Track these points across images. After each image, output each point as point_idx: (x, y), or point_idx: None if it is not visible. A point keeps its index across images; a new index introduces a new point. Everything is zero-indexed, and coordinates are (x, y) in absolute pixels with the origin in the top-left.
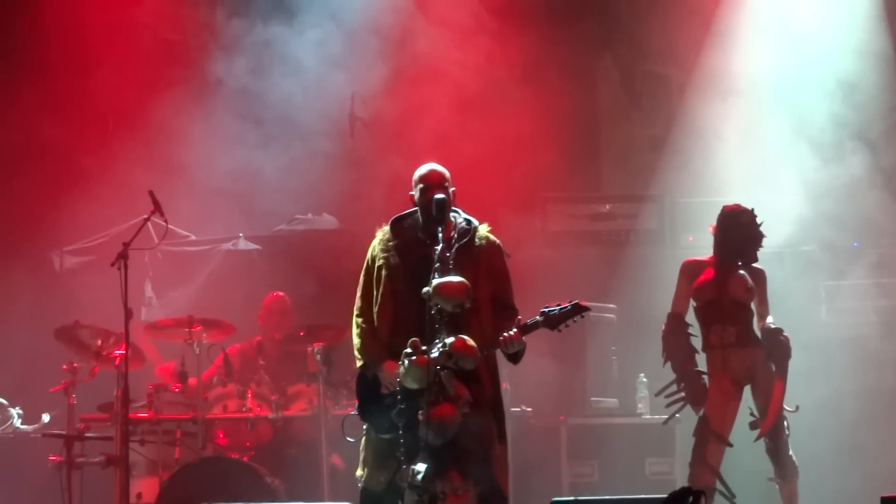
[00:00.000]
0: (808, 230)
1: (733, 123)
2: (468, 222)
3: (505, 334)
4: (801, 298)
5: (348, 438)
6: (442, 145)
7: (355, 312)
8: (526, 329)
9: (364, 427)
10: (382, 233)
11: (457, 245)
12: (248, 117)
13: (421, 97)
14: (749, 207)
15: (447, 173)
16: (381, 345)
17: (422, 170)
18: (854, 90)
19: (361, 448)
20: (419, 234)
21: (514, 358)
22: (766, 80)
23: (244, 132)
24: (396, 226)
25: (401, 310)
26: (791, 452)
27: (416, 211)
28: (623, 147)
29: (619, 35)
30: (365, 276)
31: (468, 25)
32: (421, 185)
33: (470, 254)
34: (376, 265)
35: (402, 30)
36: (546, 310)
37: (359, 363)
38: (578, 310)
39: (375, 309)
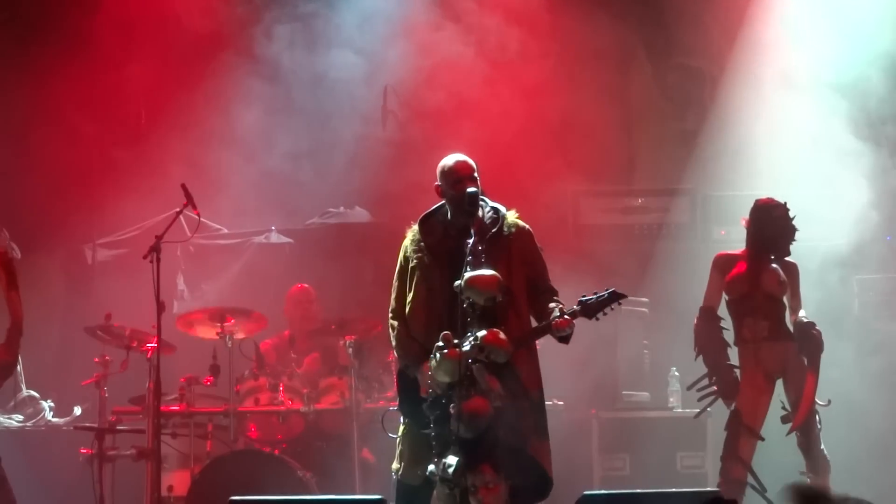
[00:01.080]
0: (841, 223)
1: (765, 117)
2: (496, 211)
3: (555, 319)
4: (833, 292)
5: (390, 434)
6: (474, 138)
7: (390, 315)
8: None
9: (402, 421)
10: (412, 233)
11: (487, 236)
12: (281, 111)
13: (453, 90)
14: (782, 201)
15: (474, 163)
16: (419, 346)
17: (449, 161)
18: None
19: (398, 442)
20: (449, 229)
21: (565, 340)
22: (799, 73)
23: (277, 126)
24: (425, 224)
25: (435, 306)
26: (823, 447)
27: (443, 205)
28: (655, 140)
29: (652, 28)
30: (398, 277)
31: (502, 19)
32: (450, 178)
33: (501, 243)
34: (410, 266)
35: (436, 23)
36: (583, 298)
37: (401, 365)
38: (615, 297)
39: (409, 308)
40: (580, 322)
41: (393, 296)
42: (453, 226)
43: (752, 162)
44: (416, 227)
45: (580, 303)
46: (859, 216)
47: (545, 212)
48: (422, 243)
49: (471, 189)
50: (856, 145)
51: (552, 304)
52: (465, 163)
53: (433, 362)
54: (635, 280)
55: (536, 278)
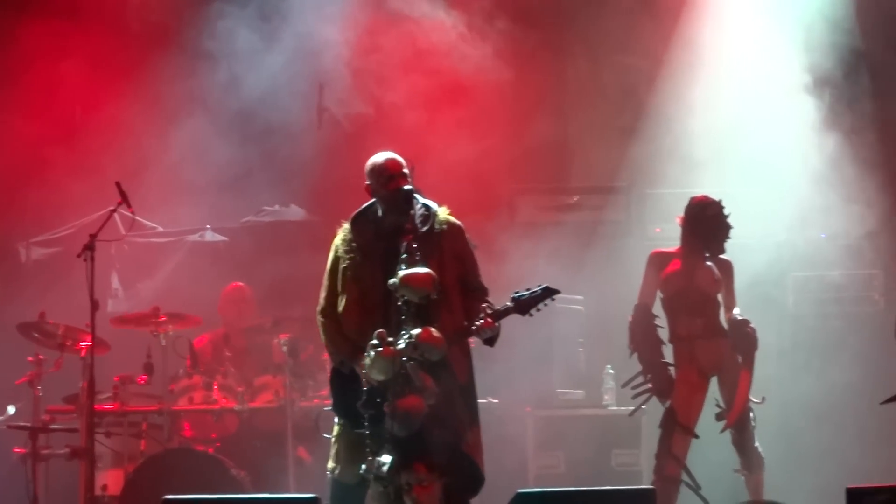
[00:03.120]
0: (776, 221)
1: (701, 114)
2: (427, 208)
3: (477, 323)
4: (768, 289)
5: (324, 434)
6: (409, 137)
7: (319, 312)
8: (497, 315)
9: (336, 420)
10: (343, 231)
11: (419, 233)
12: (216, 109)
13: (389, 89)
14: (717, 199)
15: (403, 160)
16: (350, 342)
17: (379, 159)
18: (824, 81)
19: (333, 441)
20: (380, 227)
21: (490, 342)
22: (736, 71)
23: (212, 124)
24: (357, 222)
25: (368, 306)
26: (757, 444)
27: (373, 203)
28: (591, 138)
29: (588, 26)
30: (329, 276)
31: (436, 18)
32: (381, 176)
33: (432, 240)
34: (341, 266)
35: (371, 22)
36: (516, 295)
37: (333, 360)
38: (548, 293)
39: (342, 307)
40: (515, 319)
41: (323, 294)
42: (384, 224)
43: (688, 159)
44: (346, 226)
45: (513, 299)
46: (794, 214)
47: (481, 209)
48: (353, 242)
49: (406, 186)
50: (793, 144)
51: (483, 305)
52: (394, 160)
53: (367, 360)
54: (571, 278)
55: (467, 276)
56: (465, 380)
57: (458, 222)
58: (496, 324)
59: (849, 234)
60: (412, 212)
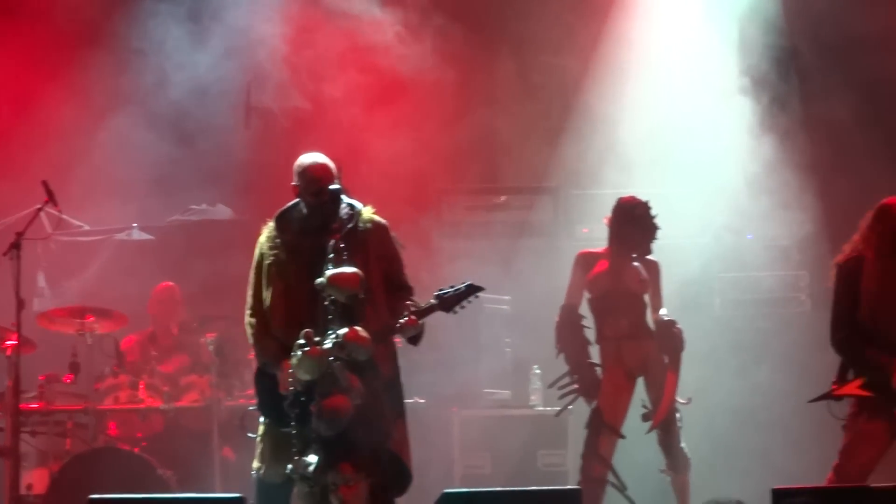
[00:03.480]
0: (703, 222)
1: (629, 115)
2: (351, 207)
3: (401, 321)
4: (695, 290)
5: (249, 434)
6: (337, 136)
7: (247, 312)
8: (421, 313)
9: (262, 420)
10: (268, 230)
11: (343, 231)
12: (143, 106)
13: (317, 88)
14: (644, 200)
15: (331, 162)
16: (277, 344)
17: (306, 160)
18: (757, 83)
19: (259, 441)
20: (305, 226)
21: (414, 341)
22: (664, 72)
23: (140, 122)
24: (281, 220)
25: (294, 304)
26: (683, 444)
27: (299, 202)
28: (519, 138)
29: (516, 26)
30: (255, 274)
31: (369, 16)
32: (308, 176)
33: (357, 238)
34: (265, 263)
35: (304, 19)
36: (440, 292)
37: (258, 361)
38: (473, 290)
39: (268, 306)
40: (442, 319)
41: (249, 293)
42: (309, 223)
43: (616, 160)
44: (271, 224)
45: (437, 296)
46: (721, 215)
47: (408, 209)
48: (278, 240)
49: (333, 186)
50: (721, 144)
51: (407, 303)
52: (321, 161)
53: (294, 360)
54: (498, 277)
55: (392, 274)
56: (391, 379)
57: (382, 221)
58: (420, 322)
59: (776, 235)
60: (338, 211)
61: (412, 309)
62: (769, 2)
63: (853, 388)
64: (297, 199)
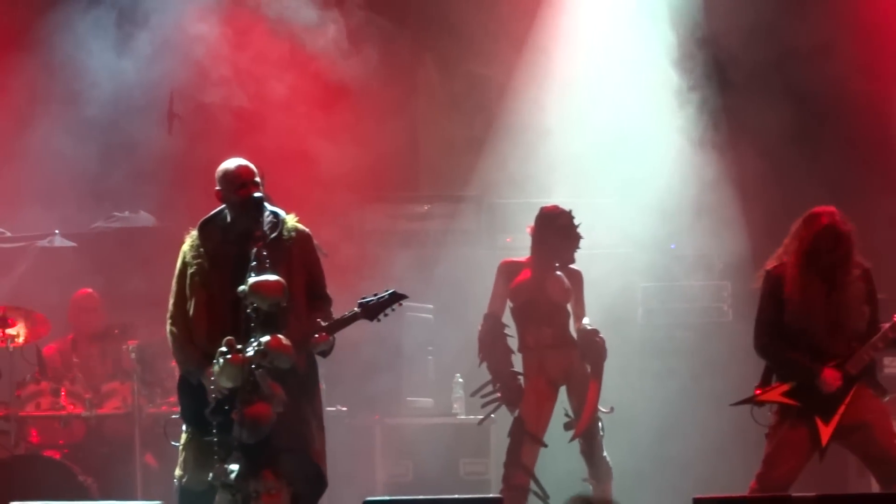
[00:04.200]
0: (626, 232)
1: (553, 125)
2: (275, 215)
3: (316, 336)
4: (617, 300)
5: (172, 442)
6: (260, 143)
7: (169, 320)
8: (343, 322)
9: (184, 428)
10: (191, 238)
11: (267, 240)
12: (66, 113)
13: (239, 96)
14: (567, 209)
15: (254, 167)
16: (200, 352)
17: (230, 165)
18: (681, 92)
19: (182, 449)
20: (228, 234)
21: (323, 355)
22: (587, 82)
23: (62, 128)
24: (205, 229)
25: (217, 313)
26: (605, 453)
27: (222, 210)
28: (442, 147)
29: (439, 35)
30: (177, 282)
31: (286, 25)
32: (232, 182)
33: (280, 247)
34: (188, 272)
35: (221, 28)
36: (363, 300)
37: (181, 369)
38: (396, 298)
39: (191, 315)
40: (365, 327)
41: (171, 301)
42: (233, 230)
43: (539, 169)
44: (194, 233)
45: (360, 304)
46: (643, 224)
47: (331, 217)
48: (201, 249)
49: (256, 194)
50: (643, 154)
51: (318, 318)
52: (245, 167)
53: (216, 367)
54: (421, 286)
55: (313, 283)
56: (311, 387)
57: (306, 230)
58: (330, 337)
59: (698, 245)
60: (261, 219)
61: (323, 325)
62: (699, 12)
63: (776, 394)
64: (221, 207)
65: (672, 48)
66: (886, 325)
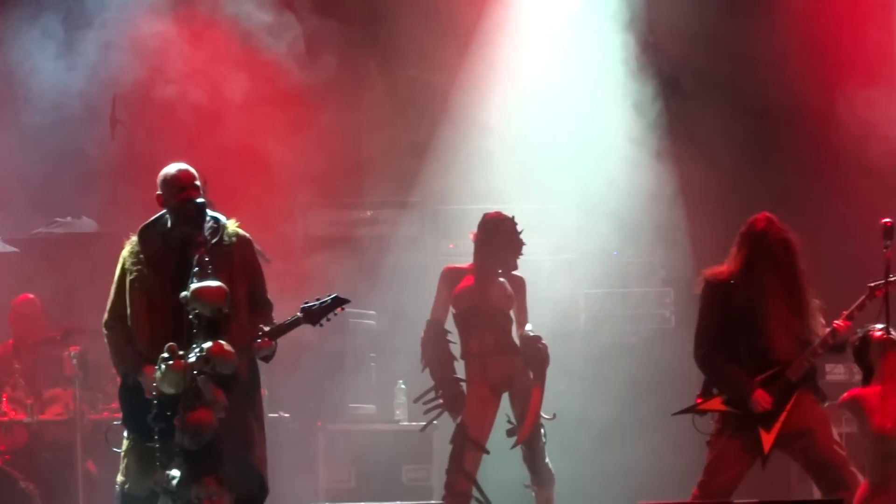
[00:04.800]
0: (569, 238)
1: (496, 131)
2: (216, 220)
3: (258, 341)
4: (560, 306)
5: (114, 449)
6: (203, 149)
7: (104, 324)
8: (285, 328)
9: (126, 434)
10: (131, 244)
11: (208, 245)
12: (8, 117)
13: (182, 101)
14: (510, 215)
15: (196, 172)
16: (136, 353)
17: (171, 170)
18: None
19: (123, 455)
20: (169, 239)
21: (265, 360)
22: (530, 88)
23: (4, 132)
24: (145, 234)
25: (158, 320)
26: (547, 460)
27: (163, 215)
28: (385, 153)
29: (383, 41)
30: (116, 287)
31: (230, 31)
32: (173, 187)
33: (222, 253)
34: (128, 279)
35: (164, 34)
36: (306, 305)
37: (119, 372)
38: (338, 302)
39: (131, 321)
40: (307, 332)
41: (108, 306)
42: (173, 236)
43: (482, 176)
44: (134, 238)
45: (303, 309)
46: (586, 231)
47: (274, 222)
48: (141, 255)
49: (198, 199)
50: (585, 161)
51: (260, 324)
52: (186, 171)
53: (158, 373)
54: (364, 292)
55: (255, 289)
56: (253, 393)
57: (247, 235)
58: (272, 342)
59: (641, 252)
60: (202, 224)
61: (265, 329)
62: (649, 19)
63: (717, 403)
64: (162, 212)
65: (620, 53)
66: (827, 331)
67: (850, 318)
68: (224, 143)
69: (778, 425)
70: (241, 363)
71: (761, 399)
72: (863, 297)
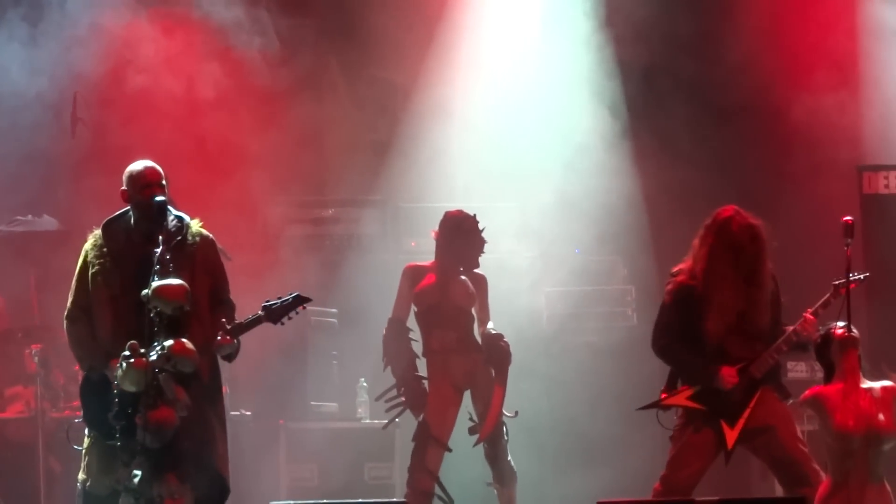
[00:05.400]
0: (530, 236)
1: (457, 129)
2: (180, 219)
3: (218, 338)
4: (522, 304)
5: (75, 446)
6: (165, 147)
7: (66, 317)
8: (246, 326)
9: (88, 432)
10: (94, 237)
11: (171, 244)
12: None
13: (144, 99)
14: (472, 213)
15: (161, 170)
16: (102, 347)
17: (137, 167)
18: (587, 95)
19: (85, 453)
20: (132, 235)
21: (228, 359)
22: (491, 86)
23: None
24: (108, 229)
25: (120, 315)
26: (510, 458)
27: (127, 211)
28: (346, 151)
29: (344, 40)
30: (78, 280)
31: (194, 29)
32: (137, 183)
33: (184, 252)
34: (90, 271)
35: (127, 31)
36: (267, 303)
37: (82, 366)
38: (299, 301)
39: (95, 316)
40: (269, 331)
41: (70, 299)
42: (137, 232)
43: (443, 174)
44: (98, 232)
45: (264, 308)
46: (547, 229)
47: (235, 221)
48: (104, 248)
49: (159, 198)
50: (546, 160)
51: (222, 320)
52: (152, 169)
53: (119, 371)
54: (325, 290)
55: (217, 290)
56: (214, 391)
57: (209, 235)
58: (235, 340)
59: (603, 250)
60: (165, 223)
61: (227, 327)
62: (611, 17)
63: (681, 398)
64: (127, 208)
65: (585, 48)
66: (790, 329)
67: (814, 315)
68: (185, 141)
69: (742, 421)
70: (202, 361)
71: (728, 375)
72: (827, 294)
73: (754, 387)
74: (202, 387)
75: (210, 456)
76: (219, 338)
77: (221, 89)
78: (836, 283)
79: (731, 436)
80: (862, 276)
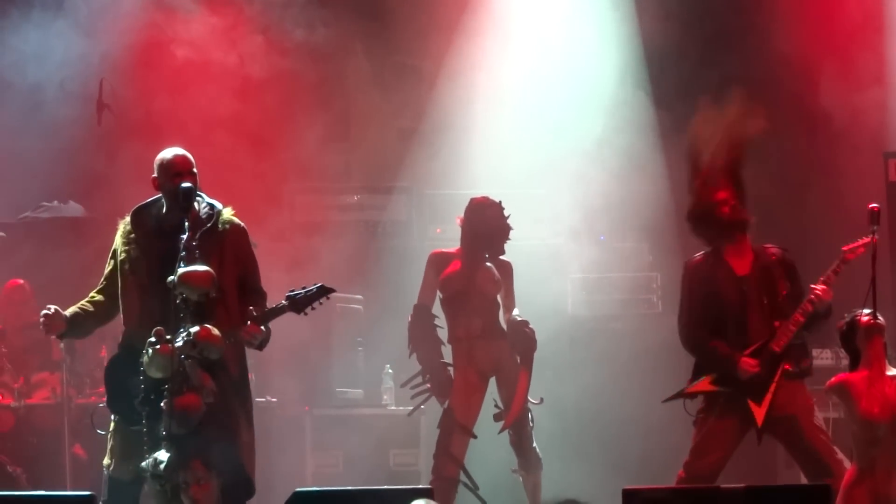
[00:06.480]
0: (556, 223)
1: (482, 116)
2: (211, 207)
3: (246, 326)
4: (547, 291)
5: (99, 431)
6: (192, 134)
7: (96, 293)
8: (270, 315)
9: (112, 418)
10: (124, 224)
11: (201, 231)
12: None
13: (171, 87)
14: (497, 200)
15: (192, 158)
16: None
17: (166, 154)
18: (610, 85)
19: (109, 438)
20: (163, 223)
21: (259, 347)
22: (517, 73)
23: None
24: (138, 217)
25: (147, 301)
26: (535, 444)
27: (158, 199)
28: (372, 138)
29: (370, 26)
30: (109, 268)
31: (221, 15)
32: (168, 171)
33: (214, 239)
34: (119, 259)
35: (153, 18)
36: (291, 293)
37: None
38: (324, 291)
39: (122, 302)
40: (294, 318)
41: (101, 281)
42: (168, 220)
43: (469, 160)
44: (127, 220)
45: (288, 297)
46: (573, 216)
47: (262, 208)
48: (132, 235)
49: (185, 184)
50: (569, 147)
51: (250, 309)
52: (183, 157)
53: (146, 357)
54: (351, 277)
55: (247, 277)
56: (240, 380)
57: (241, 223)
58: (262, 328)
59: (628, 236)
60: (194, 210)
61: (254, 315)
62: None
63: (705, 384)
64: (158, 196)
65: (610, 36)
66: (805, 300)
67: (826, 283)
68: (211, 128)
69: (769, 397)
70: (228, 351)
71: (747, 365)
72: (837, 261)
73: (776, 361)
74: (229, 377)
75: (233, 446)
76: (247, 324)
77: (247, 77)
78: (846, 248)
79: (760, 413)
80: (869, 239)
